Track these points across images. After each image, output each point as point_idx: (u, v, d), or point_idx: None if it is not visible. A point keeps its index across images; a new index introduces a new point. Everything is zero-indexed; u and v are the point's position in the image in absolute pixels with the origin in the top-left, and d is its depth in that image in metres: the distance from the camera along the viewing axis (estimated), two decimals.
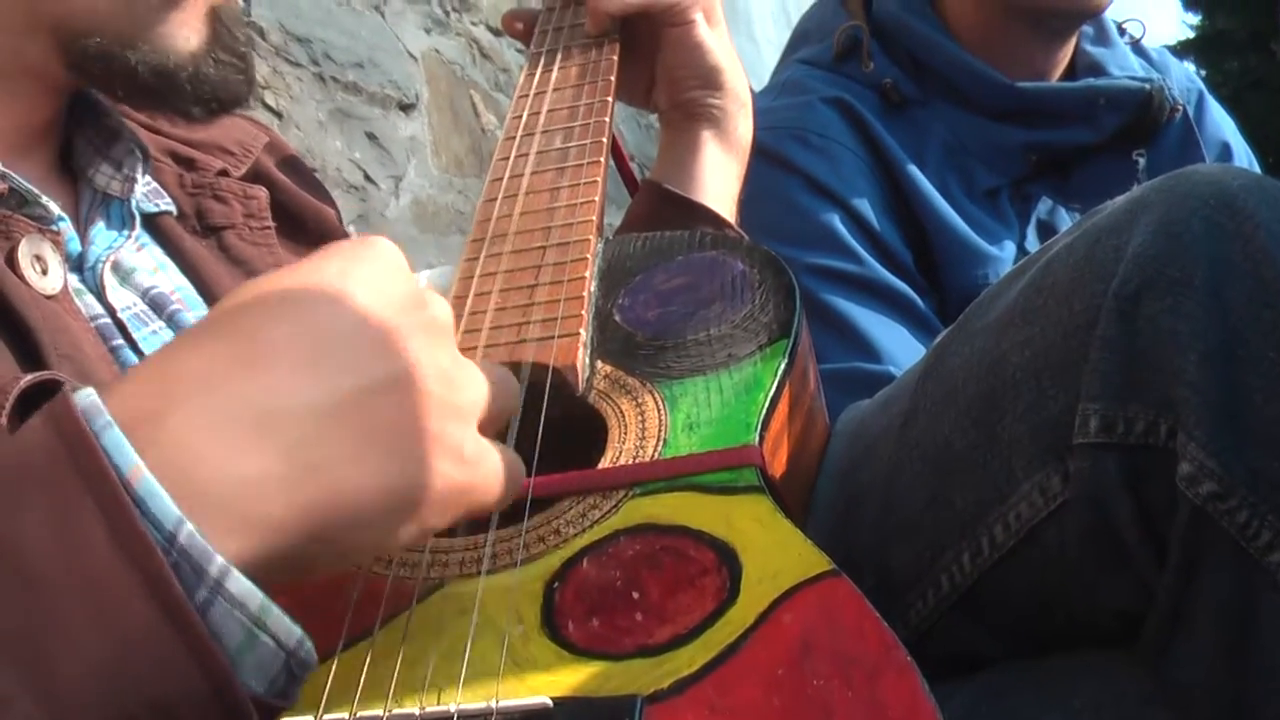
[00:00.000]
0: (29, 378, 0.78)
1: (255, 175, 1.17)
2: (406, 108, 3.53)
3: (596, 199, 1.11)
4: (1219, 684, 0.84)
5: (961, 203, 1.63)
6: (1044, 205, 1.68)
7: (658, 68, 1.34)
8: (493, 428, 0.72)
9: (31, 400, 0.77)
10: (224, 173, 1.14)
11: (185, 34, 1.01)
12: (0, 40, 0.97)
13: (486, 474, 0.69)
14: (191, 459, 0.59)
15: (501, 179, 1.18)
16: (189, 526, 0.57)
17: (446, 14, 3.86)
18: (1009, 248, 1.61)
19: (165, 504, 0.57)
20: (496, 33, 4.08)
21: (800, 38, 1.86)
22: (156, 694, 0.55)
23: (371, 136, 3.36)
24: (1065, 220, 1.67)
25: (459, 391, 0.68)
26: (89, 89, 1.06)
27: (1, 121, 0.99)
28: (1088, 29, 1.80)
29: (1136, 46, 1.87)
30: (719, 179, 1.31)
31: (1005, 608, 0.96)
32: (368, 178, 3.31)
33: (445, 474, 0.66)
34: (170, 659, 0.56)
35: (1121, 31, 1.87)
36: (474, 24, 4.02)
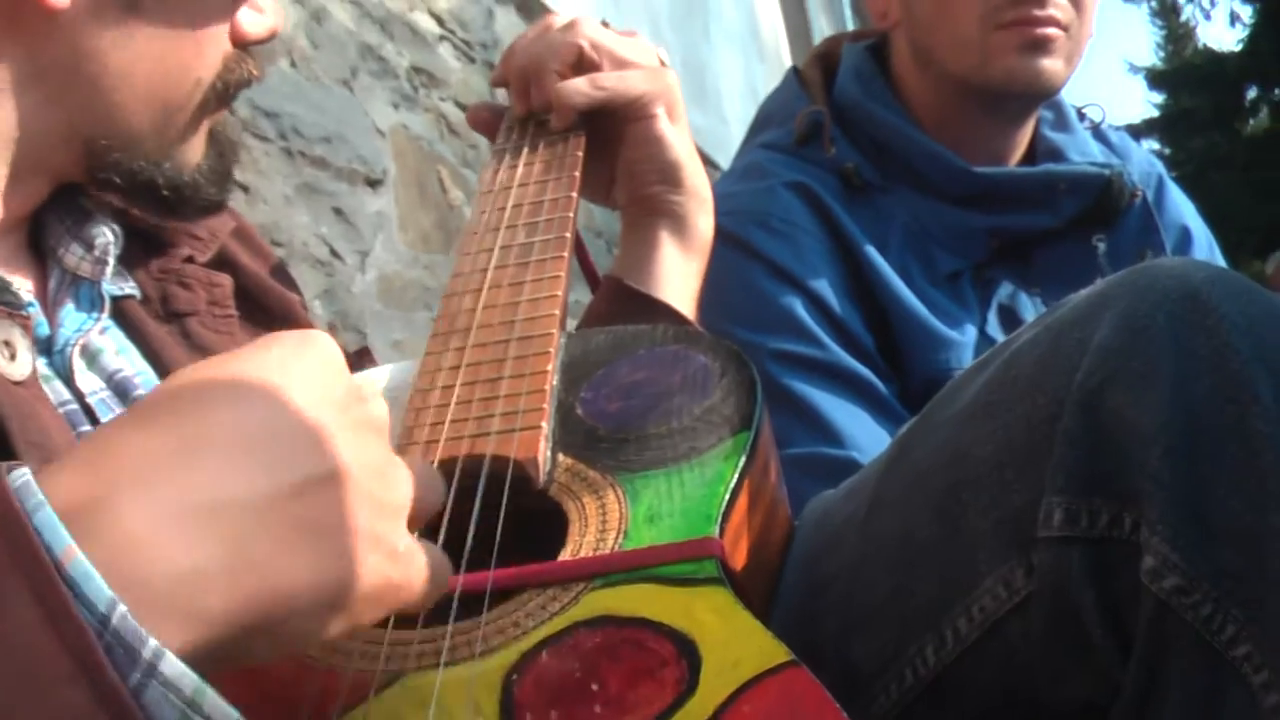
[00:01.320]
0: None
1: (220, 261, 1.18)
2: (374, 183, 3.53)
3: (559, 293, 1.12)
4: None
5: (923, 287, 1.63)
6: (1005, 289, 1.69)
7: (619, 163, 1.34)
8: (419, 523, 0.74)
9: None
10: (190, 259, 1.14)
11: (194, 149, 1.08)
12: (32, 146, 1.00)
13: (416, 570, 0.71)
14: (132, 548, 0.60)
15: (466, 273, 1.18)
16: (122, 608, 0.57)
17: (415, 90, 3.88)
18: (970, 332, 1.62)
19: (98, 585, 0.57)
20: (465, 109, 4.10)
21: (763, 120, 1.87)
22: None
23: (338, 211, 3.36)
24: (1026, 304, 1.68)
25: (391, 489, 0.70)
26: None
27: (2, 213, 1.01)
28: (1047, 114, 1.82)
29: (1097, 131, 1.89)
30: (678, 276, 1.31)
31: (970, 700, 0.97)
32: (334, 253, 3.31)
33: (377, 569, 0.68)
34: None
35: (1081, 117, 1.89)
36: (442, 100, 4.04)
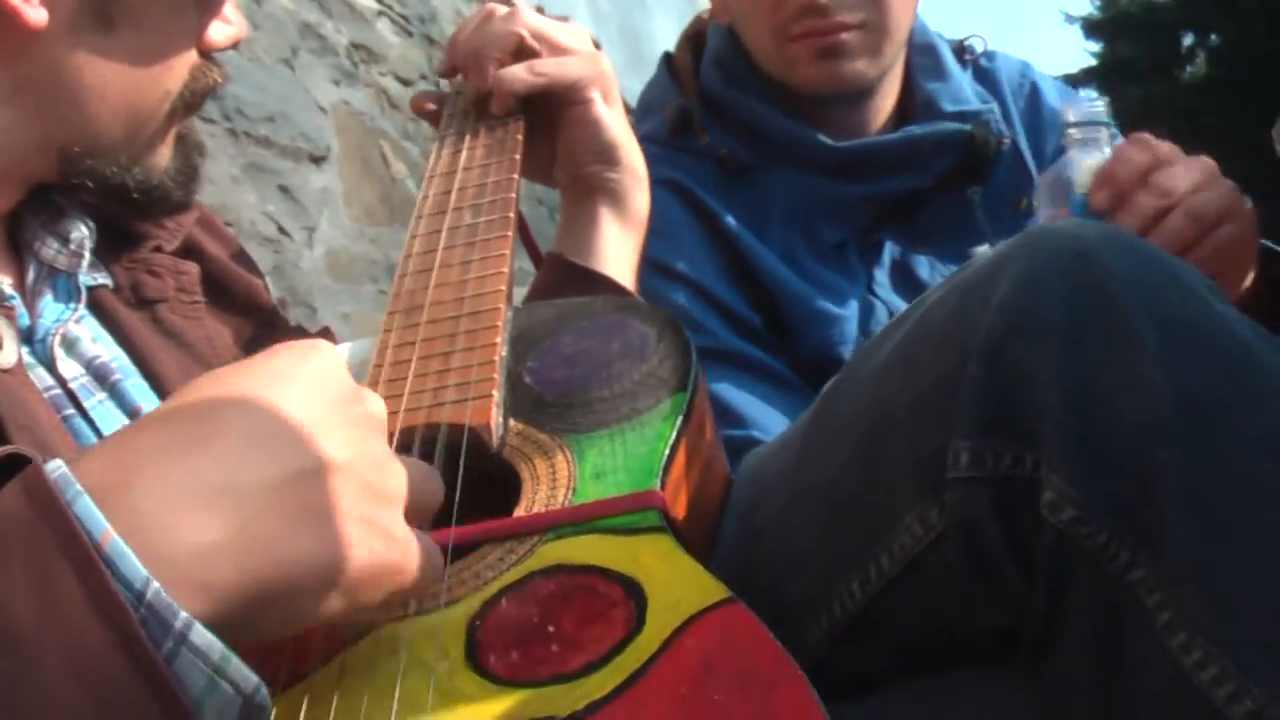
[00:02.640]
0: None
1: (186, 249, 1.22)
2: (318, 159, 3.56)
3: (505, 270, 1.17)
4: (1090, 694, 0.90)
5: (807, 264, 1.65)
6: (894, 250, 1.71)
7: (558, 144, 1.40)
8: (421, 517, 0.80)
9: None
10: (158, 248, 1.19)
11: (163, 154, 1.13)
12: (10, 155, 1.05)
13: (412, 556, 0.76)
14: (152, 526, 0.65)
15: (416, 254, 1.24)
16: (155, 585, 0.63)
17: (355, 65, 3.89)
18: (854, 306, 1.64)
19: (134, 565, 0.63)
20: (405, 82, 4.11)
21: (642, 111, 1.87)
22: None
23: (284, 189, 3.38)
24: (921, 261, 1.70)
25: (387, 480, 0.76)
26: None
27: None
28: (922, 61, 1.81)
29: (976, 67, 1.87)
30: (618, 250, 1.37)
31: (894, 631, 1.02)
32: (281, 230, 3.34)
33: (373, 551, 0.73)
34: (141, 708, 0.61)
35: (963, 52, 1.87)
36: (381, 75, 4.05)
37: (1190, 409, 0.88)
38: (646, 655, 0.76)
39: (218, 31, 1.15)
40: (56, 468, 0.66)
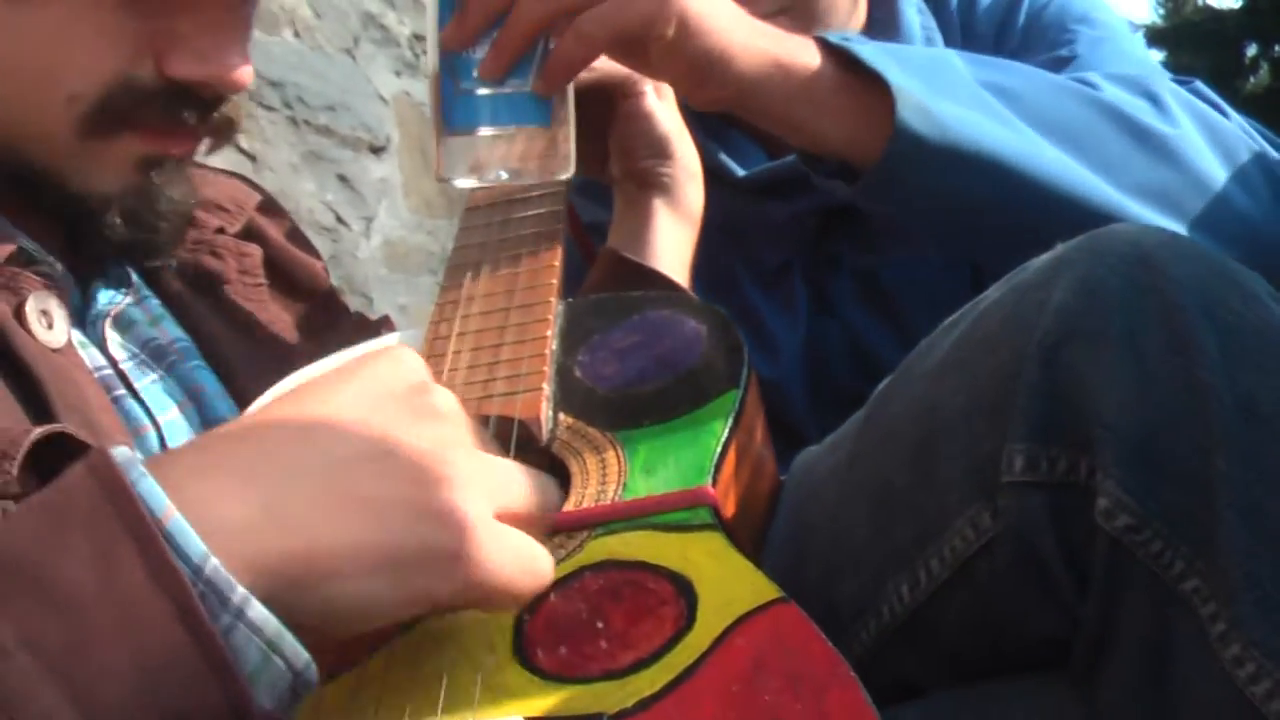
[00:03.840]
0: (40, 430, 0.81)
1: (248, 233, 1.23)
2: (377, 150, 3.57)
3: (556, 264, 1.18)
4: (1142, 705, 0.90)
5: (747, 290, 1.60)
6: (850, 260, 1.61)
7: (611, 139, 1.40)
8: (524, 522, 0.79)
9: (39, 452, 0.81)
10: (220, 230, 1.20)
11: (104, 178, 1.03)
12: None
13: (474, 542, 0.73)
14: (194, 502, 0.67)
15: (467, 245, 1.25)
16: (214, 561, 0.65)
17: (416, 56, 3.91)
18: (792, 348, 1.58)
19: (194, 541, 0.65)
20: None
21: None
22: (182, 709, 0.63)
23: (343, 178, 3.40)
24: (883, 270, 1.60)
25: (449, 466, 0.74)
26: None
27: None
28: (878, 27, 1.60)
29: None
30: (672, 245, 1.37)
31: (943, 636, 1.01)
32: (339, 219, 3.36)
33: (426, 537, 0.72)
34: (196, 679, 0.63)
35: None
36: None
37: (1249, 416, 0.87)
38: (697, 653, 0.76)
39: (185, 64, 1.00)
40: (123, 451, 0.68)
